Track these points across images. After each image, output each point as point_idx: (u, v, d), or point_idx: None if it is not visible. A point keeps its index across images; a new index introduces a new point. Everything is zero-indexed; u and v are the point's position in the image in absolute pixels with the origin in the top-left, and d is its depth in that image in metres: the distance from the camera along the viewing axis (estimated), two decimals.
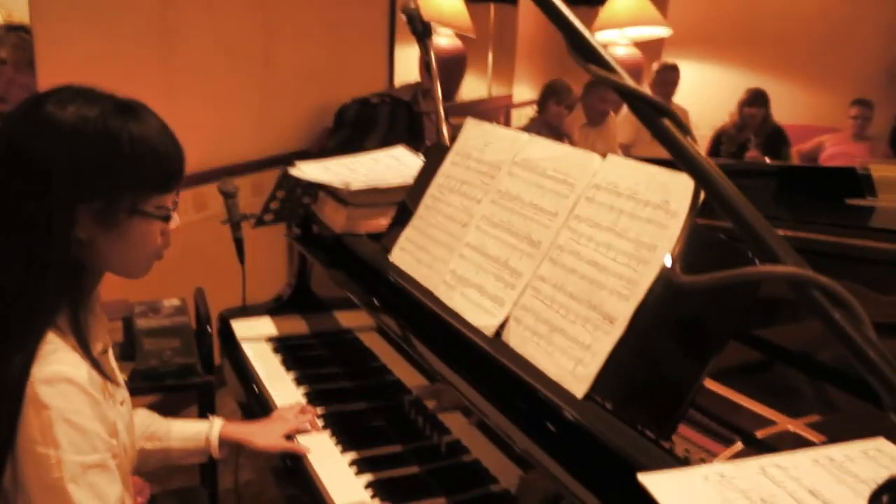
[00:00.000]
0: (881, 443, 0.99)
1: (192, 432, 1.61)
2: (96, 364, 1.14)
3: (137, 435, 1.49)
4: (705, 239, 1.14)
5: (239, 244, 2.21)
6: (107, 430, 1.12)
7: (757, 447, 1.22)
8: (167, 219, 1.21)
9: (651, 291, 1.19)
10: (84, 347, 1.13)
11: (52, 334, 1.10)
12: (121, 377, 1.33)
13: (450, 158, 1.78)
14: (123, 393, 1.25)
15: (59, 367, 1.07)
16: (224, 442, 1.62)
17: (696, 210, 0.70)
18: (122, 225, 1.15)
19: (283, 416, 1.70)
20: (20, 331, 1.07)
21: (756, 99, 5.37)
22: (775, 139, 5.40)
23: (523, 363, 1.31)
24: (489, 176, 1.63)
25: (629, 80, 0.66)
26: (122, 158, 1.12)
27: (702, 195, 0.66)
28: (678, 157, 0.62)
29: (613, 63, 0.67)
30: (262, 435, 1.64)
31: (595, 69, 0.67)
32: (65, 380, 1.07)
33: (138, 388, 2.10)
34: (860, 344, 0.50)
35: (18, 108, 1.13)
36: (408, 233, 1.78)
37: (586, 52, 0.67)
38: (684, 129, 0.63)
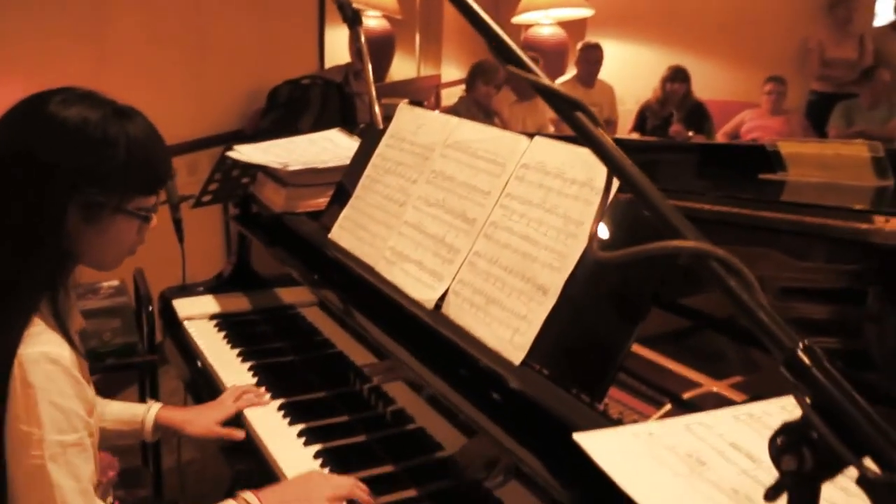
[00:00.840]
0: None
1: (128, 415, 1.63)
2: (74, 345, 1.18)
3: None
4: (627, 213, 1.22)
5: (178, 225, 2.22)
6: (85, 409, 1.16)
7: (684, 408, 1.30)
8: (148, 219, 1.27)
9: (580, 263, 1.26)
10: (64, 330, 1.17)
11: (36, 318, 1.14)
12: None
13: (384, 142, 1.82)
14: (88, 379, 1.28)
15: (44, 348, 1.11)
16: (158, 426, 1.64)
17: (609, 192, 0.77)
18: (105, 221, 1.21)
19: (223, 401, 1.71)
20: (8, 314, 1.12)
21: (677, 75, 5.52)
22: (697, 114, 5.57)
23: (463, 334, 1.37)
24: (423, 157, 1.68)
25: (545, 78, 0.73)
26: (116, 161, 1.18)
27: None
28: (592, 147, 0.69)
29: (530, 63, 0.75)
30: (197, 422, 1.65)
31: (514, 69, 0.74)
32: (50, 360, 1.11)
33: None
34: (752, 306, 0.57)
35: (19, 107, 1.18)
36: (347, 212, 1.82)
37: (506, 54, 0.75)
38: (595, 120, 0.70)
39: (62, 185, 1.14)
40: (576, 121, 0.68)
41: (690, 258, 0.59)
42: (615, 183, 0.74)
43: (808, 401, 0.55)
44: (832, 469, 0.57)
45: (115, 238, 1.24)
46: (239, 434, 1.64)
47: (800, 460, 0.57)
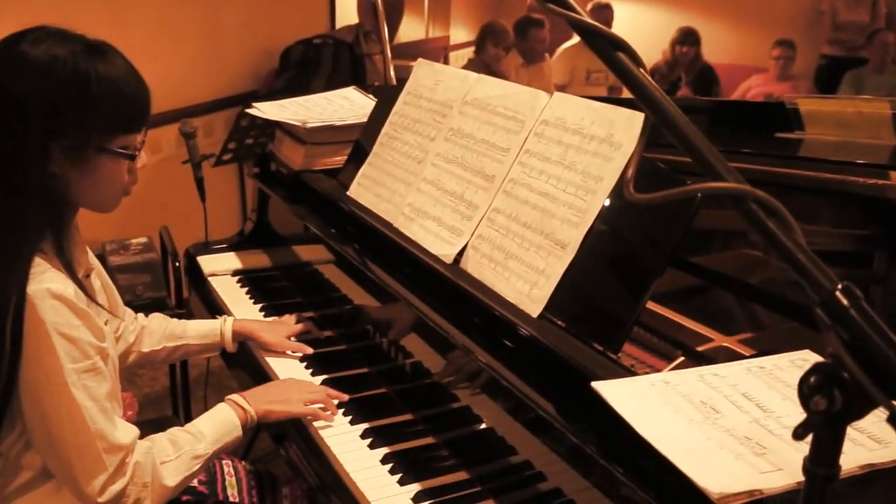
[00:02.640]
0: (807, 353, 1.09)
1: (207, 329, 1.74)
2: (80, 284, 1.20)
3: (158, 336, 1.66)
4: (647, 169, 1.22)
5: (200, 183, 2.22)
6: (96, 336, 1.19)
7: (696, 360, 1.31)
8: (133, 158, 1.25)
9: (599, 218, 1.26)
10: (68, 269, 1.19)
11: (39, 258, 1.16)
12: (105, 301, 1.40)
13: (402, 98, 1.81)
14: (106, 315, 1.31)
15: (48, 284, 1.13)
16: (237, 336, 1.75)
17: (646, 135, 0.77)
18: (91, 162, 1.19)
19: (286, 321, 1.82)
20: (8, 257, 1.13)
21: (687, 38, 5.44)
22: (705, 78, 5.50)
23: (482, 287, 1.37)
24: (441, 115, 1.67)
25: (585, 17, 0.72)
26: (89, 98, 1.15)
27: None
28: (632, 88, 0.68)
29: (571, 2, 0.73)
30: (269, 331, 1.76)
31: (554, 7, 0.72)
32: (54, 295, 1.13)
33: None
34: (790, 247, 0.57)
35: None
36: (365, 169, 1.82)
37: None
38: (638, 60, 0.69)
39: (37, 123, 1.13)
40: (616, 61, 0.67)
41: (730, 199, 0.58)
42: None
43: (841, 341, 0.55)
44: (861, 410, 0.58)
45: (104, 179, 1.22)
46: (307, 349, 1.74)
47: (829, 401, 0.57)
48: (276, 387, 1.54)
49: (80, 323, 1.16)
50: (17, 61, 1.13)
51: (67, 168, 1.18)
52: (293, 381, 1.57)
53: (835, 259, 1.44)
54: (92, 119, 1.16)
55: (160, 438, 1.30)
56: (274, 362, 1.71)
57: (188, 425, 1.37)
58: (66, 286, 1.15)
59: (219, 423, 1.38)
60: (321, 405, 1.49)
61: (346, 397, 1.53)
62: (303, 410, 1.47)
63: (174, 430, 1.34)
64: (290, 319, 1.82)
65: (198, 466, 1.31)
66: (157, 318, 1.71)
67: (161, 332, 1.69)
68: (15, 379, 1.15)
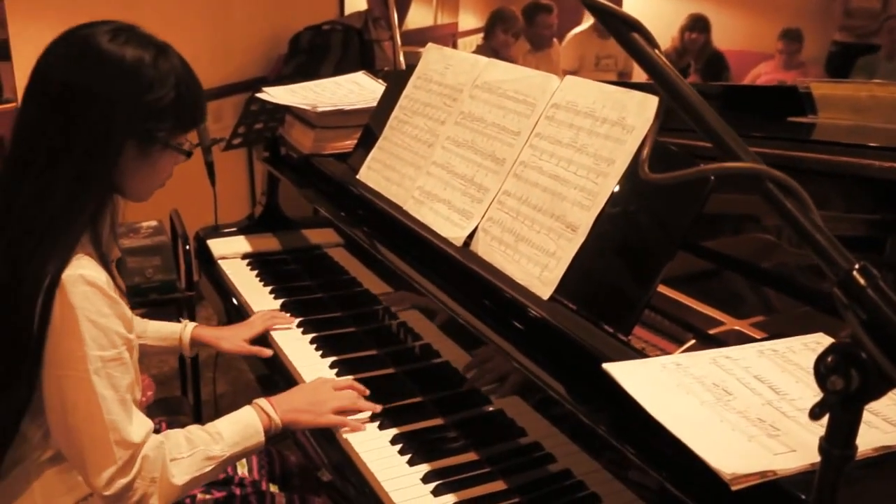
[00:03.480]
0: (820, 336, 1.08)
1: (167, 332, 1.72)
2: (111, 273, 1.21)
3: None
4: (661, 151, 1.21)
5: (210, 168, 2.23)
6: (125, 326, 1.20)
7: (708, 343, 1.30)
8: (191, 154, 1.31)
9: (610, 201, 1.25)
10: (102, 257, 1.20)
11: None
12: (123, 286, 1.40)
13: (412, 82, 1.80)
14: (125, 301, 1.31)
15: (82, 271, 1.14)
16: (195, 342, 1.73)
17: (661, 115, 0.75)
18: (154, 156, 1.24)
19: (252, 322, 1.79)
20: (57, 240, 1.15)
21: (696, 25, 5.38)
22: (715, 65, 5.45)
23: (492, 270, 1.37)
24: (451, 98, 1.66)
25: None
26: (169, 97, 1.20)
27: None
28: (647, 68, 0.67)
29: None
30: (228, 339, 1.74)
31: None
32: (87, 282, 1.14)
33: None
34: (808, 227, 0.56)
35: (66, 42, 1.20)
36: (375, 153, 1.81)
37: None
38: (652, 41, 0.68)
39: (122, 121, 1.17)
40: (631, 42, 0.67)
41: (746, 179, 0.58)
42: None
43: (858, 321, 0.54)
44: (878, 390, 0.57)
45: (158, 172, 1.28)
46: (266, 352, 1.72)
47: (846, 380, 0.57)
48: (306, 393, 1.47)
49: (110, 312, 1.16)
50: (102, 60, 1.17)
51: (135, 161, 1.22)
52: (323, 384, 1.49)
53: (846, 244, 1.42)
54: (169, 117, 1.21)
55: (176, 434, 1.28)
56: (284, 345, 1.71)
57: (209, 425, 1.33)
58: (100, 274, 1.16)
59: (240, 426, 1.33)
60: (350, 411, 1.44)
61: (378, 408, 1.45)
62: (331, 421, 1.41)
63: (192, 428, 1.31)
64: (256, 320, 1.79)
65: (210, 468, 1.27)
66: None
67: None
68: (40, 359, 1.15)
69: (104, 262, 1.20)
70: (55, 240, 1.14)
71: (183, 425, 1.32)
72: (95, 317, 1.14)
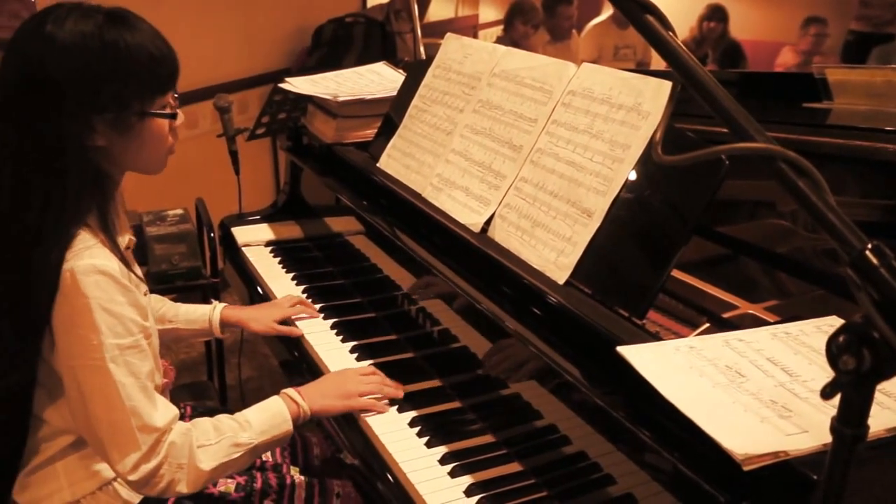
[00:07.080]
0: (833, 319, 1.06)
1: (198, 315, 1.71)
2: (124, 259, 1.19)
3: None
4: (674, 135, 1.19)
5: (234, 156, 2.23)
6: (139, 314, 1.18)
7: (721, 327, 1.29)
8: (174, 116, 1.25)
9: (625, 187, 1.24)
10: (113, 243, 1.18)
11: (85, 233, 1.15)
12: (140, 273, 1.39)
13: (431, 72, 1.79)
14: (144, 287, 1.30)
15: (93, 260, 1.12)
16: (225, 324, 1.72)
17: (675, 98, 0.74)
18: (135, 128, 1.19)
19: (279, 304, 1.79)
20: (52, 234, 1.12)
21: (714, 14, 5.32)
22: (732, 54, 5.39)
23: (509, 255, 1.36)
24: (470, 87, 1.65)
25: None
26: (123, 67, 1.14)
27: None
28: (661, 50, 0.66)
29: None
30: (258, 319, 1.73)
31: None
32: (99, 272, 1.12)
33: (150, 289, 2.16)
34: (821, 207, 0.55)
35: (22, 31, 1.15)
36: (394, 141, 1.81)
37: None
38: (667, 23, 0.67)
39: (74, 103, 1.12)
40: (645, 24, 0.65)
41: (759, 159, 0.56)
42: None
43: (871, 300, 0.53)
44: (890, 370, 0.56)
45: (150, 141, 1.22)
46: (297, 331, 1.71)
47: (858, 360, 0.55)
48: (333, 382, 1.46)
49: (124, 300, 1.15)
50: (45, 44, 1.11)
51: (115, 138, 1.18)
52: (350, 373, 1.49)
53: (863, 229, 1.39)
54: (129, 87, 1.16)
55: (203, 422, 1.26)
56: (306, 330, 1.71)
57: (237, 413, 1.32)
58: (111, 261, 1.14)
59: (269, 415, 1.32)
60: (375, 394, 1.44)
61: (401, 393, 1.46)
62: (360, 404, 1.41)
63: (221, 417, 1.30)
64: (284, 301, 1.79)
65: (238, 455, 1.25)
66: (154, 299, 1.65)
67: (153, 313, 1.63)
68: (41, 336, 1.15)
69: (115, 249, 1.18)
70: (54, 238, 1.12)
71: (209, 410, 1.32)
72: (109, 305, 1.13)
